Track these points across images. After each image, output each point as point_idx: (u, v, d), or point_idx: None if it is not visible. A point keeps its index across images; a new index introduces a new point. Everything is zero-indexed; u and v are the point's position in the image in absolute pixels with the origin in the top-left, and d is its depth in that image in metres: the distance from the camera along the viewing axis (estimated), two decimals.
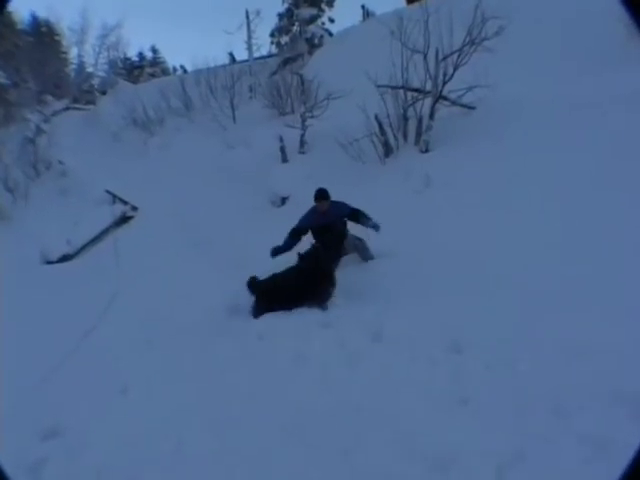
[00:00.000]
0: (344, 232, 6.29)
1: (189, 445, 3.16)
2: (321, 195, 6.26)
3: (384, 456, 2.75)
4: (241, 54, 20.95)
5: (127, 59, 27.84)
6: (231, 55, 19.51)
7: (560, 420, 2.69)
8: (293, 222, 7.57)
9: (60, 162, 13.07)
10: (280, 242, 6.30)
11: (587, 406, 2.72)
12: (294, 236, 6.27)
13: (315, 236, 6.24)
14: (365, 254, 6.21)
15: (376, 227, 6.04)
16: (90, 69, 20.66)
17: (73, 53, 22.04)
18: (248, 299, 5.53)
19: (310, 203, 7.48)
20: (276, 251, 6.20)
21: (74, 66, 21.93)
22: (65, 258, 9.84)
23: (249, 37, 18.05)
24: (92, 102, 18.28)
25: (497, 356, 3.24)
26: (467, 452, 2.64)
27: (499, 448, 2.60)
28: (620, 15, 9.16)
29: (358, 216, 6.20)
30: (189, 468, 2.95)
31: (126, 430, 3.41)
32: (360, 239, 6.24)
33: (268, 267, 6.34)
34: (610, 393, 2.75)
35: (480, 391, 3.07)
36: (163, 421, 3.44)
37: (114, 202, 11.33)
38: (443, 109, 9.13)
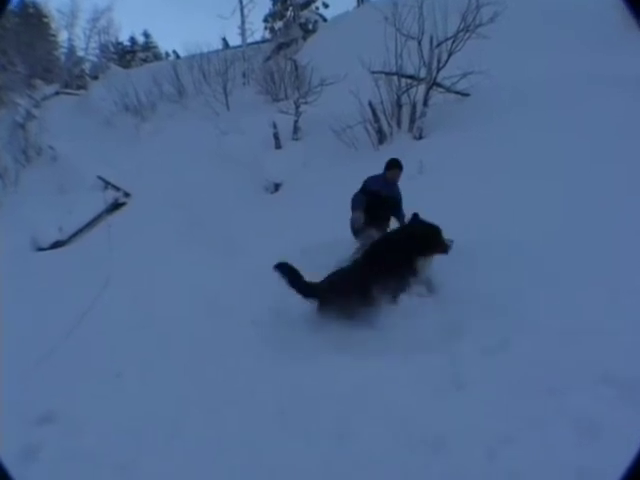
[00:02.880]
0: (390, 214, 5.97)
1: (185, 429, 3.17)
2: (396, 164, 5.88)
3: (379, 439, 2.78)
4: (234, 39, 20.77)
5: (119, 44, 27.49)
6: (224, 40, 19.40)
7: (552, 402, 2.73)
8: (286, 208, 7.59)
9: (51, 147, 12.93)
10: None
11: (579, 388, 2.76)
12: (363, 195, 5.75)
13: (370, 203, 5.72)
14: None
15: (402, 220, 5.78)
16: (81, 53, 20.43)
17: (63, 36, 21.74)
18: (242, 284, 5.53)
19: (304, 189, 7.50)
20: (359, 217, 5.61)
21: (64, 50, 21.64)
22: (57, 245, 9.78)
23: (242, 22, 17.88)
24: (83, 87, 18.10)
25: (493, 339, 3.27)
26: (459, 435, 2.67)
27: (490, 431, 2.63)
28: (614, 1, 9.22)
29: (398, 208, 5.90)
30: (185, 452, 2.97)
31: (121, 414, 3.42)
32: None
33: (263, 253, 6.35)
34: (601, 375, 2.79)
35: (474, 374, 3.11)
36: (158, 405, 3.45)
37: (106, 188, 11.25)
38: (437, 96, 9.13)
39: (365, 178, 5.93)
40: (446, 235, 4.57)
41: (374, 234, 5.59)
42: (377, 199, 5.75)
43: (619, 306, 3.40)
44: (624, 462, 2.24)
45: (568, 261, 4.25)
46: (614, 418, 2.53)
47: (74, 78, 19.00)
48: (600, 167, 5.78)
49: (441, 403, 2.96)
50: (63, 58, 21.27)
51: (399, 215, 5.93)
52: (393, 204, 5.91)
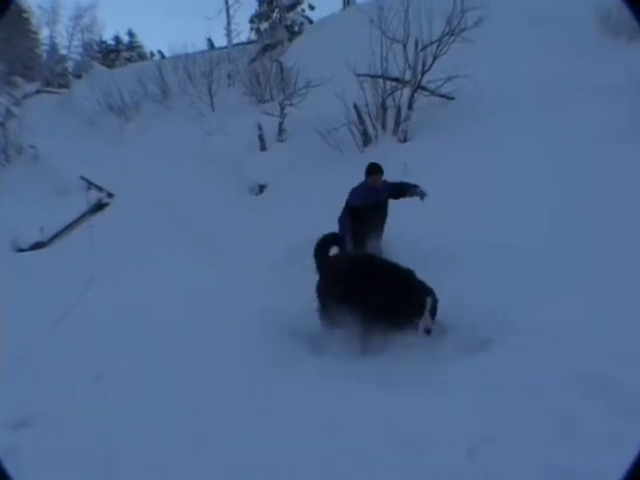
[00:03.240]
0: (386, 218, 5.79)
1: (164, 431, 3.15)
2: (377, 169, 5.65)
3: (361, 438, 2.79)
4: (220, 40, 20.63)
5: (102, 42, 27.17)
6: (210, 41, 19.26)
7: (533, 402, 2.77)
8: (271, 210, 7.57)
9: (32, 147, 12.71)
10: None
11: (560, 389, 2.80)
12: (350, 216, 5.60)
13: (361, 217, 5.59)
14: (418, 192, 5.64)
15: (423, 195, 5.52)
16: (63, 51, 20.14)
17: (44, 33, 21.37)
18: (226, 284, 5.51)
19: (289, 191, 7.48)
20: (344, 240, 5.43)
21: (46, 47, 21.32)
22: (38, 246, 9.63)
23: (228, 23, 17.86)
24: (66, 86, 17.86)
25: (470, 339, 3.31)
26: (441, 434, 2.69)
27: (472, 430, 2.66)
28: (595, 7, 9.35)
29: (403, 189, 5.65)
30: (165, 454, 2.94)
31: (100, 417, 3.39)
32: None
33: (247, 254, 6.35)
34: (577, 375, 2.84)
35: (456, 374, 3.13)
36: (138, 407, 3.43)
37: (89, 189, 11.11)
38: (422, 99, 9.19)
39: (349, 191, 5.69)
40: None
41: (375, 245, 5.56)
42: (366, 211, 5.56)
43: (602, 310, 3.46)
44: (601, 460, 2.28)
45: (552, 264, 4.31)
46: (593, 418, 2.57)
47: (56, 76, 18.74)
48: (583, 171, 5.88)
49: (423, 402, 2.98)
50: (45, 56, 20.94)
51: (407, 191, 5.61)
52: (386, 208, 5.72)
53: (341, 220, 5.64)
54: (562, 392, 2.79)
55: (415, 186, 5.61)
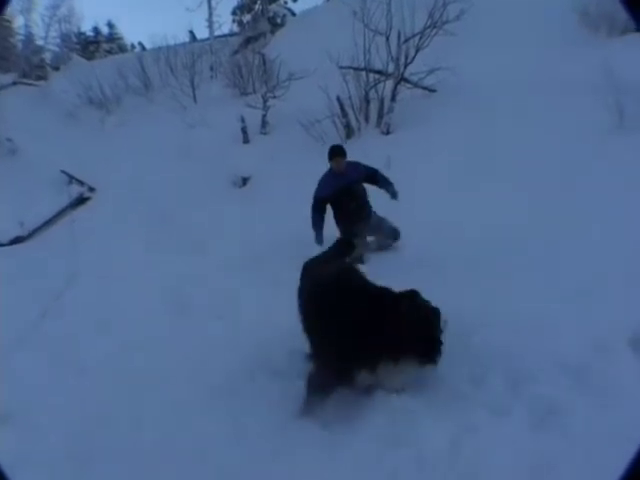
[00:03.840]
0: (366, 197, 5.58)
1: (147, 426, 3.14)
2: (337, 152, 5.46)
3: (342, 432, 2.81)
4: (202, 32, 20.39)
5: (81, 34, 26.67)
6: (191, 33, 19.03)
7: (511, 390, 2.81)
8: (255, 203, 7.55)
9: (9, 140, 12.47)
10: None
11: (536, 376, 2.85)
12: (319, 209, 5.49)
13: (335, 206, 5.49)
14: (387, 237, 5.60)
15: (395, 195, 5.43)
16: (40, 42, 19.68)
17: (19, 22, 20.79)
18: (209, 278, 5.48)
19: (272, 183, 7.46)
20: (318, 236, 5.45)
21: (21, 37, 20.79)
22: (17, 240, 9.48)
23: (210, 15, 17.63)
24: (43, 78, 17.47)
25: (453, 330, 3.34)
26: (422, 424, 2.72)
27: (452, 420, 2.69)
28: (574, 1, 9.46)
29: (377, 177, 5.49)
30: (146, 450, 2.93)
31: (82, 412, 3.36)
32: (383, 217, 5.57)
33: (230, 248, 6.32)
34: (557, 364, 2.89)
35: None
36: (121, 403, 3.41)
37: (70, 183, 10.94)
38: (405, 91, 9.23)
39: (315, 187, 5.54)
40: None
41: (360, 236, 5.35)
42: (338, 199, 5.42)
43: (584, 300, 3.51)
44: (580, 446, 2.33)
45: (535, 256, 4.38)
46: (572, 406, 2.62)
47: (33, 68, 18.29)
48: (566, 163, 5.98)
49: (408, 393, 3.01)
50: (20, 46, 20.41)
51: (381, 182, 5.50)
52: (360, 192, 5.54)
53: (312, 218, 5.52)
54: (543, 381, 2.84)
55: (390, 183, 5.50)
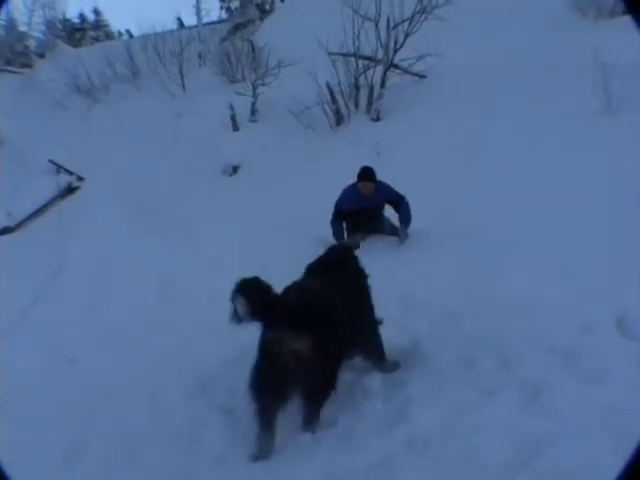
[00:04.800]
0: (382, 214, 5.66)
1: (134, 415, 3.15)
2: (367, 176, 5.39)
3: (331, 413, 2.83)
4: (189, 19, 20.13)
5: (67, 20, 26.21)
6: (179, 20, 18.77)
7: (501, 371, 2.84)
8: (244, 191, 7.52)
9: None
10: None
11: (526, 357, 2.88)
12: (339, 218, 5.51)
13: (350, 217, 5.53)
14: (391, 226, 5.66)
15: (403, 238, 5.35)
16: (23, 28, 19.24)
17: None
18: (199, 268, 5.47)
19: (262, 171, 7.42)
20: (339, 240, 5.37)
21: (2, 22, 20.33)
22: (5, 231, 9.38)
23: (197, 1, 17.41)
24: (28, 65, 17.15)
25: (444, 312, 3.37)
26: (414, 406, 2.75)
27: (444, 401, 2.72)
28: None
29: (400, 207, 5.43)
30: (135, 438, 2.94)
31: (72, 401, 3.36)
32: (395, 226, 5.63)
33: (220, 237, 6.31)
34: (546, 345, 2.93)
35: (427, 346, 3.19)
36: (110, 390, 3.41)
37: (58, 172, 10.83)
38: (394, 77, 9.19)
39: (339, 194, 5.50)
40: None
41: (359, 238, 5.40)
42: (357, 215, 5.43)
43: (571, 281, 3.55)
44: (568, 425, 2.37)
45: (524, 239, 4.43)
46: (561, 386, 2.65)
47: (17, 55, 17.91)
48: (556, 146, 6.02)
49: (400, 375, 3.04)
50: (2, 32, 19.95)
51: (399, 212, 5.48)
52: (378, 212, 5.59)
53: (333, 228, 5.52)
54: (532, 362, 2.87)
55: (406, 221, 5.40)
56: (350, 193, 5.51)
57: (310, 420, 2.74)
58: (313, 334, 2.61)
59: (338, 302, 2.82)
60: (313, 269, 3.21)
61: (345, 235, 5.54)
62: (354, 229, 5.49)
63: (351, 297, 2.99)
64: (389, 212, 5.72)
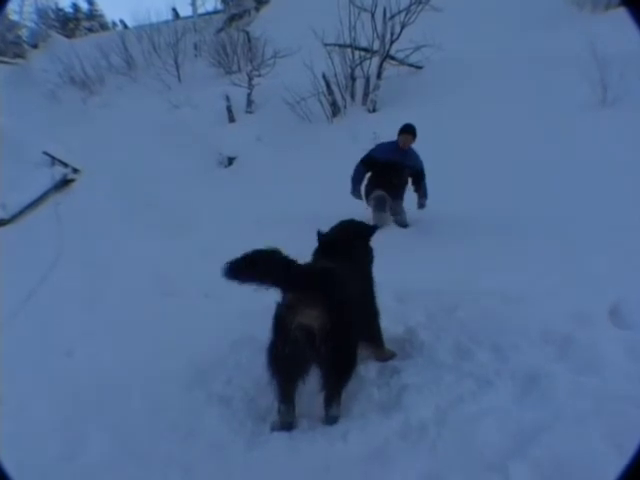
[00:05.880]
0: (405, 187, 5.79)
1: (131, 406, 3.15)
2: (410, 128, 5.65)
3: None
4: (185, 10, 19.95)
5: (59, 10, 25.97)
6: (174, 11, 18.65)
7: (496, 361, 2.86)
8: (241, 182, 7.51)
9: None
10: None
11: (521, 347, 2.90)
12: (365, 165, 5.67)
13: (377, 172, 5.66)
14: (404, 217, 5.76)
15: (423, 205, 5.65)
16: (14, 17, 19.03)
17: None
18: (195, 259, 5.46)
19: (258, 163, 7.40)
20: (355, 189, 5.67)
21: None
22: (0, 223, 9.35)
23: None
24: (21, 56, 16.99)
25: (440, 304, 3.38)
26: (411, 397, 2.76)
27: (439, 390, 2.74)
28: None
29: (419, 179, 5.65)
30: (133, 430, 2.94)
31: (68, 395, 3.36)
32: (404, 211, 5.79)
33: (217, 228, 6.30)
34: (541, 334, 2.95)
35: (422, 336, 3.21)
36: (107, 382, 3.41)
37: (53, 164, 10.77)
38: (391, 68, 9.18)
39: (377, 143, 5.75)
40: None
41: (381, 194, 5.55)
42: (387, 167, 5.55)
43: (570, 272, 3.56)
44: (562, 414, 2.38)
45: (523, 230, 4.45)
46: (555, 376, 2.67)
47: (9, 45, 17.71)
48: (552, 137, 6.07)
49: (395, 364, 3.05)
50: None
51: (419, 186, 5.66)
52: (409, 173, 5.68)
53: (355, 171, 5.66)
54: (527, 351, 2.89)
55: (425, 194, 5.64)
56: (387, 144, 5.71)
57: (330, 401, 2.71)
58: (326, 306, 2.55)
59: (352, 283, 2.79)
60: (326, 247, 3.13)
61: (363, 188, 5.64)
62: (377, 180, 5.59)
63: (361, 280, 3.00)
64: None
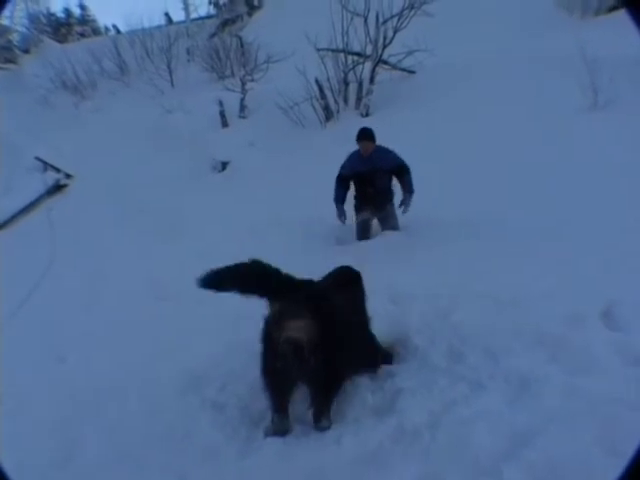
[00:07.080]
0: (389, 188, 5.51)
1: (125, 411, 3.14)
2: (364, 134, 5.42)
3: None
4: (178, 15, 19.97)
5: (51, 15, 25.84)
6: (167, 16, 18.67)
7: (489, 364, 2.86)
8: (234, 187, 7.52)
9: None
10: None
11: (514, 350, 2.90)
12: (340, 184, 5.50)
13: (355, 186, 5.51)
14: (394, 222, 5.52)
15: (407, 203, 5.35)
16: (5, 21, 18.92)
17: None
18: (189, 265, 5.43)
19: (252, 168, 7.41)
20: (339, 210, 5.47)
21: None
22: None
23: None
24: (12, 61, 16.92)
25: (431, 308, 3.38)
26: (404, 403, 2.76)
27: (432, 394, 2.74)
28: None
29: (403, 175, 5.35)
30: (127, 435, 2.93)
31: (64, 398, 3.35)
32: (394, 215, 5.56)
33: (210, 234, 6.29)
34: (534, 337, 2.95)
35: (415, 340, 3.21)
36: (102, 387, 3.40)
37: (46, 170, 10.73)
38: (383, 73, 9.23)
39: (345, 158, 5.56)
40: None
41: (366, 216, 5.45)
42: (358, 180, 5.43)
43: (565, 274, 3.57)
44: (555, 417, 2.39)
45: (518, 233, 4.47)
46: (549, 378, 2.68)
47: (0, 50, 17.60)
48: (545, 141, 6.08)
49: (389, 368, 3.05)
50: None
51: (403, 181, 5.39)
52: (385, 174, 5.45)
53: (335, 190, 5.53)
54: (520, 354, 2.89)
55: (411, 189, 5.37)
56: (351, 157, 5.52)
57: (318, 415, 2.71)
58: (312, 316, 2.54)
59: (342, 304, 2.79)
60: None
61: (344, 210, 5.52)
62: (358, 194, 5.46)
63: (356, 319, 3.01)
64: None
